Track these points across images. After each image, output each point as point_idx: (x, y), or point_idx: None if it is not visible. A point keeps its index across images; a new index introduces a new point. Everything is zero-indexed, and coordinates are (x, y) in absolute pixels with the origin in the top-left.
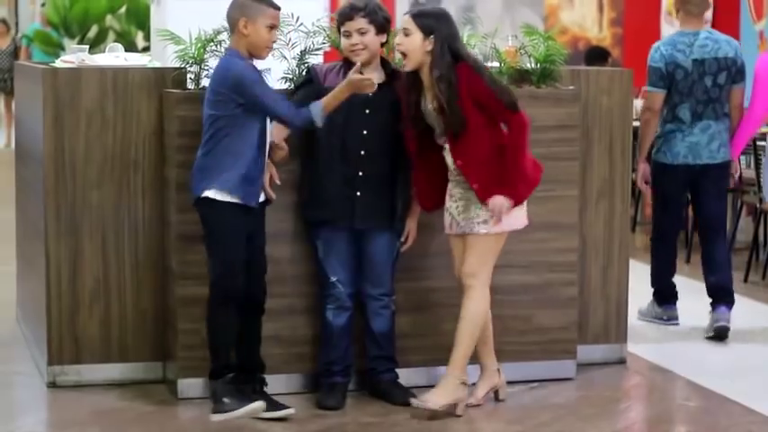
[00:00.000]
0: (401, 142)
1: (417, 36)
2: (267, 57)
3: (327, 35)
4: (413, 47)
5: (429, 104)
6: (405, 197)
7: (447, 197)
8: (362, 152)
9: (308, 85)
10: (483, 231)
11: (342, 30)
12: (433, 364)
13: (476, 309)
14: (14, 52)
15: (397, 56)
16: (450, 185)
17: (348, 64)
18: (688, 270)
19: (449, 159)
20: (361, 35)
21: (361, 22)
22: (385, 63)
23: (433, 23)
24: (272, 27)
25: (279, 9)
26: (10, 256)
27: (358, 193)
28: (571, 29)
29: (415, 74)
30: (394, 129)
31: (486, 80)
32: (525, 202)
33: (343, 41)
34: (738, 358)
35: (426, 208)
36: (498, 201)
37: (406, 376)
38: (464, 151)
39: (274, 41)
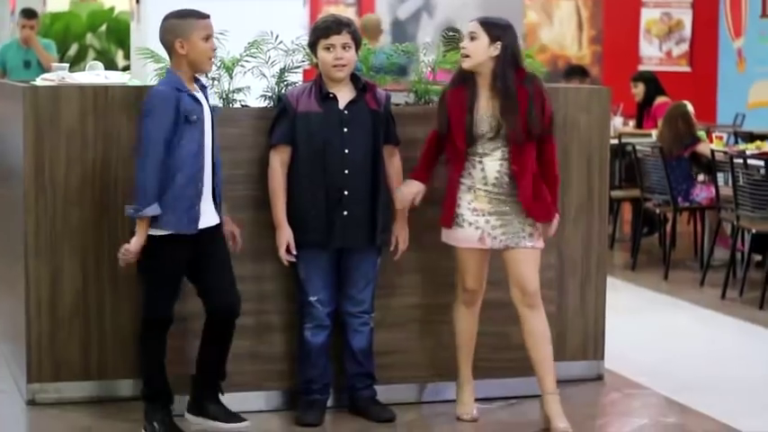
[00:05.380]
0: (379, 156)
1: (484, 41)
2: (212, 68)
3: (306, 53)
4: (477, 50)
5: (481, 111)
6: (385, 212)
7: (466, 211)
8: (346, 171)
9: (284, 115)
10: (530, 245)
11: (324, 43)
12: (412, 381)
13: (546, 325)
14: None
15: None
16: (468, 198)
17: (319, 83)
18: (666, 287)
19: (489, 167)
20: (345, 50)
21: (347, 38)
22: (355, 78)
23: (501, 31)
24: (208, 37)
25: (208, 17)
26: None
27: (345, 213)
28: (550, 47)
29: (467, 79)
30: (372, 143)
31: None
32: None
33: (325, 55)
34: (716, 375)
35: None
36: (556, 222)
37: (384, 393)
38: (520, 159)
39: (215, 49)
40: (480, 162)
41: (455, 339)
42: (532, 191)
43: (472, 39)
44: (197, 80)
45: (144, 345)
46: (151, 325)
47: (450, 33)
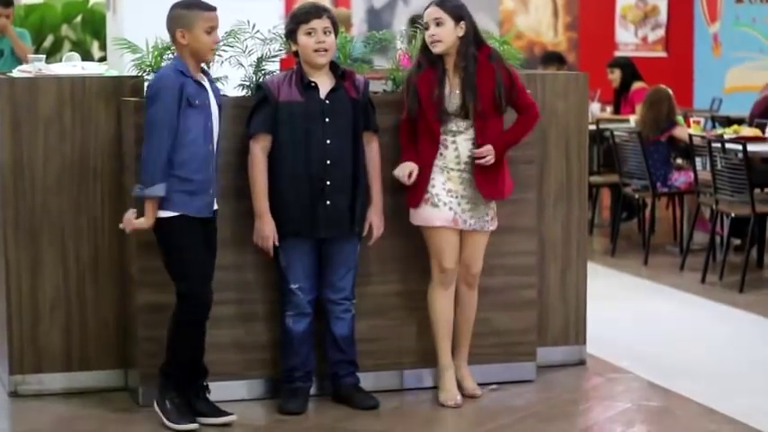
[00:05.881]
0: (359, 145)
1: (450, 23)
2: (212, 59)
3: (284, 42)
4: (446, 33)
5: (451, 89)
6: (362, 200)
7: (441, 191)
8: (328, 161)
9: (264, 104)
10: (490, 229)
11: (305, 28)
12: (394, 368)
13: (476, 303)
14: None
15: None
16: (442, 179)
17: (300, 71)
18: (646, 272)
19: (462, 146)
20: (326, 35)
21: (327, 22)
22: (334, 66)
23: (461, 11)
24: (211, 29)
25: (213, 9)
26: None
27: (327, 203)
28: (527, 34)
29: (434, 60)
30: (353, 133)
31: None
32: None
33: (307, 40)
34: (698, 359)
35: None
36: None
37: (366, 380)
38: (483, 134)
39: (217, 41)
40: (454, 142)
41: (433, 324)
42: (490, 168)
43: (438, 24)
44: (207, 72)
45: (177, 330)
46: (188, 310)
47: (418, 24)
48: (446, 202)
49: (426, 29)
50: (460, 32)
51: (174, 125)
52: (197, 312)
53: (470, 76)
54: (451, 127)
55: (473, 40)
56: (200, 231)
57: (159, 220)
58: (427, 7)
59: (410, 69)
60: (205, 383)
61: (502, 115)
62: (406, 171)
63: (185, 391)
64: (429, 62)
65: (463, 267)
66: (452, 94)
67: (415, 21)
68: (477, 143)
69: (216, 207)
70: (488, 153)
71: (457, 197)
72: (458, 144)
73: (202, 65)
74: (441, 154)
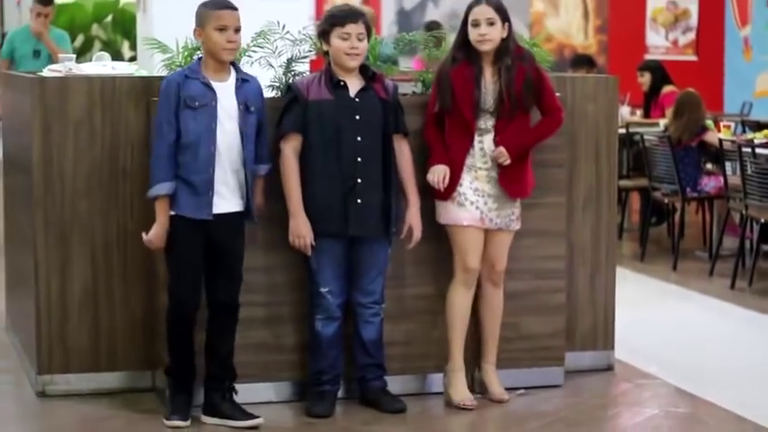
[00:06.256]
0: (390, 145)
1: (499, 24)
2: (228, 58)
3: (314, 43)
4: (497, 33)
5: (486, 87)
6: (397, 201)
7: (468, 190)
8: (359, 159)
9: (295, 104)
10: (516, 228)
11: (340, 32)
12: (421, 372)
13: (502, 303)
14: None
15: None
16: (469, 178)
17: (329, 71)
18: (675, 277)
19: (488, 145)
20: (360, 40)
21: (362, 27)
22: (364, 68)
23: (506, 13)
24: (222, 28)
25: (227, 8)
26: None
27: (359, 201)
28: (557, 36)
29: (472, 57)
30: (383, 131)
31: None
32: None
33: (340, 43)
34: (726, 365)
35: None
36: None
37: (393, 384)
38: (505, 132)
39: (231, 41)
40: (480, 141)
41: (449, 323)
42: (514, 168)
43: (491, 24)
44: (238, 71)
45: (167, 328)
46: (172, 310)
47: (435, 32)
48: (473, 201)
49: (475, 26)
50: (504, 33)
51: (172, 127)
52: (179, 314)
53: (511, 76)
54: (480, 125)
55: (514, 41)
56: (200, 234)
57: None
58: (475, 5)
59: (443, 63)
60: (231, 386)
61: (527, 115)
62: (440, 176)
63: (187, 388)
64: (465, 58)
65: (488, 266)
66: (487, 92)
67: (431, 27)
68: (495, 141)
69: (238, 208)
70: (500, 156)
71: (484, 196)
72: (484, 143)
73: (232, 63)
74: (469, 152)
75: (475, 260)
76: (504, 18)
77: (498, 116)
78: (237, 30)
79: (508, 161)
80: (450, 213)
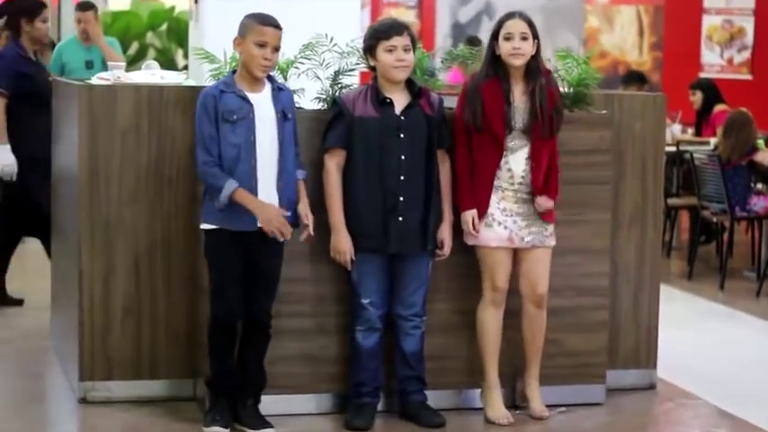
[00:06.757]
0: (434, 162)
1: (531, 40)
2: (261, 75)
3: (361, 55)
4: (529, 49)
5: (519, 103)
6: (436, 217)
7: (496, 211)
8: (402, 177)
9: (340, 118)
10: (551, 245)
11: (386, 45)
12: (461, 387)
13: (545, 321)
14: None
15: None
16: (496, 198)
17: (375, 87)
18: (722, 296)
19: (515, 165)
20: (406, 52)
21: (407, 39)
22: (410, 83)
23: (536, 29)
24: (262, 45)
25: (271, 25)
26: (45, 272)
27: (400, 219)
28: (611, 52)
29: (500, 73)
30: (427, 149)
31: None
32: None
33: (387, 57)
34: None
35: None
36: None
37: (433, 398)
38: (539, 155)
39: (268, 59)
40: (506, 162)
41: (481, 343)
42: (543, 187)
43: (524, 38)
44: (272, 80)
45: (208, 339)
46: (214, 320)
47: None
48: (500, 222)
49: (507, 40)
50: (534, 50)
51: (215, 141)
52: (220, 325)
53: (543, 94)
54: (507, 142)
55: (541, 59)
56: (241, 247)
57: (203, 231)
58: (507, 19)
59: (477, 77)
60: (255, 395)
61: (556, 137)
62: (470, 225)
63: (227, 398)
64: (495, 74)
65: (528, 287)
66: (516, 110)
67: (472, 41)
68: (531, 165)
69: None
70: (545, 204)
71: (512, 215)
72: (510, 162)
73: (267, 74)
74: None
75: (503, 280)
76: (535, 35)
77: (532, 137)
78: (276, 49)
79: (551, 205)
80: (478, 234)
